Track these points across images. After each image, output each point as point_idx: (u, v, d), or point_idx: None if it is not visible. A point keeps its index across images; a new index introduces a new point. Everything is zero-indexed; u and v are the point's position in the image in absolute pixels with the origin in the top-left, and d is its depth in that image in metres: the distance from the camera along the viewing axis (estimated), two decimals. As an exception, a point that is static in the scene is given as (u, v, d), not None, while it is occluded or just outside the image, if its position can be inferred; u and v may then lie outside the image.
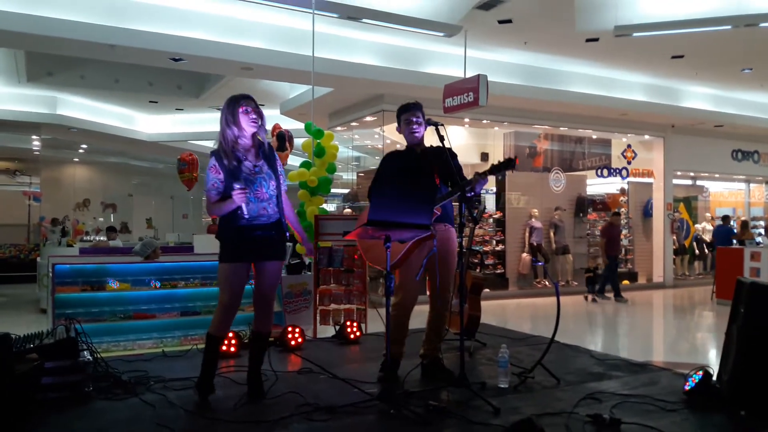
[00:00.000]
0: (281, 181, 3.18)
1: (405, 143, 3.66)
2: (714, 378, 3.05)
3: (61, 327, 3.34)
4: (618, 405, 2.94)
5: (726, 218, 12.10)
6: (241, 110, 3.04)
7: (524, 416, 2.58)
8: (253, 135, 3.11)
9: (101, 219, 16.37)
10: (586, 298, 10.18)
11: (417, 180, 3.41)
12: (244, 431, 2.66)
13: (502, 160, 3.33)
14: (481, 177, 3.23)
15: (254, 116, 3.06)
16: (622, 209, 12.39)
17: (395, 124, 3.69)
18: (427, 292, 3.57)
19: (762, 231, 14.23)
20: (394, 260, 3.16)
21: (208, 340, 3.13)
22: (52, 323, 4.44)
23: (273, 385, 3.24)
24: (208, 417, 2.83)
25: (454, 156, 3.50)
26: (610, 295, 10.08)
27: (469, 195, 3.23)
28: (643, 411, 2.87)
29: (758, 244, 10.13)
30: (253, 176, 3.06)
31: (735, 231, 11.87)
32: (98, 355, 3.42)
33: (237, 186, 2.96)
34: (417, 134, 3.55)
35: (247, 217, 3.01)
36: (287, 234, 3.21)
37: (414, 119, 3.53)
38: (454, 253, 3.49)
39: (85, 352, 3.30)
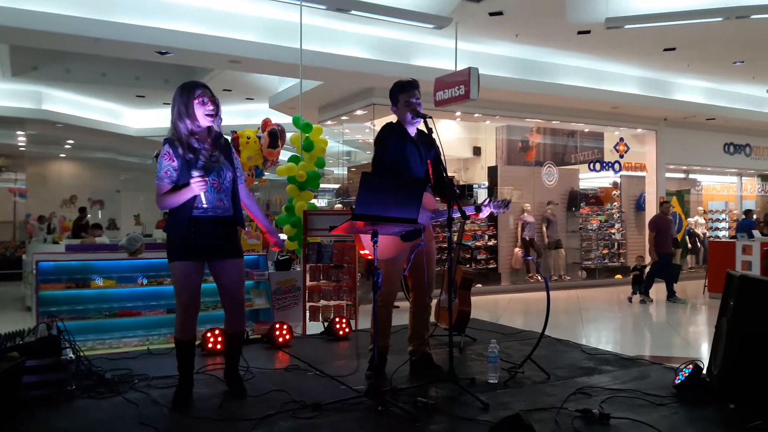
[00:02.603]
0: (238, 174, 3.03)
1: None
2: (704, 372, 3.03)
3: (42, 325, 3.28)
4: (608, 400, 2.91)
5: (749, 212, 12.11)
6: (196, 101, 2.84)
7: (513, 412, 2.54)
8: (209, 126, 2.94)
9: (89, 216, 16.20)
10: (630, 299, 9.43)
11: (416, 173, 3.36)
12: (229, 429, 2.62)
13: (500, 200, 3.27)
14: (475, 208, 3.18)
15: (211, 108, 2.86)
16: (615, 203, 12.40)
17: (385, 118, 3.60)
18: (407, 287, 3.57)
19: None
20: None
21: (176, 345, 2.99)
22: (36, 321, 4.37)
23: (259, 383, 3.20)
24: (192, 415, 2.78)
25: (439, 158, 3.46)
26: (635, 295, 9.51)
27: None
28: (633, 405, 2.85)
29: (751, 237, 10.15)
30: (211, 165, 2.88)
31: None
32: (81, 353, 3.36)
33: (195, 173, 2.76)
34: (416, 122, 3.39)
35: (204, 206, 2.83)
36: (245, 229, 3.12)
37: (414, 100, 3.36)
38: (434, 247, 3.53)
39: (68, 350, 3.24)
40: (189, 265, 2.87)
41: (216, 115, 2.90)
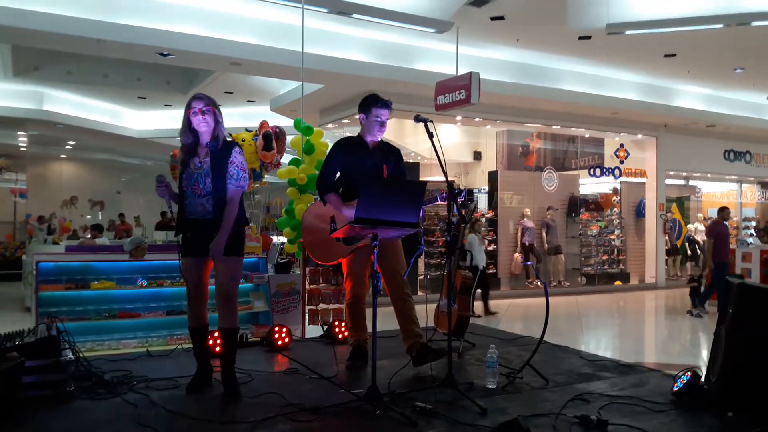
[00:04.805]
0: (233, 180, 3.12)
1: (360, 133, 3.72)
2: (702, 379, 3.04)
3: (42, 325, 3.30)
4: (606, 406, 2.91)
5: None
6: (190, 113, 3.11)
7: (511, 417, 2.55)
8: (213, 131, 3.15)
9: (89, 217, 16.19)
10: (691, 313, 8.74)
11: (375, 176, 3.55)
12: (227, 431, 2.62)
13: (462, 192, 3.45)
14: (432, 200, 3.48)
15: (200, 116, 3.09)
16: (615, 209, 12.40)
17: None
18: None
19: (753, 232, 14.30)
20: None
21: (190, 333, 3.31)
22: (35, 322, 4.37)
23: (257, 385, 3.20)
24: (190, 417, 2.78)
25: (400, 160, 3.71)
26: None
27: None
28: (631, 412, 2.85)
29: (749, 244, 10.15)
30: (194, 172, 3.15)
31: None
32: (80, 354, 3.36)
33: (160, 179, 3.19)
34: (380, 134, 3.64)
35: (171, 210, 3.25)
36: (236, 230, 3.17)
37: (385, 119, 3.59)
38: (396, 242, 3.62)
39: (68, 351, 3.25)
40: (187, 261, 3.20)
41: (212, 119, 3.13)
